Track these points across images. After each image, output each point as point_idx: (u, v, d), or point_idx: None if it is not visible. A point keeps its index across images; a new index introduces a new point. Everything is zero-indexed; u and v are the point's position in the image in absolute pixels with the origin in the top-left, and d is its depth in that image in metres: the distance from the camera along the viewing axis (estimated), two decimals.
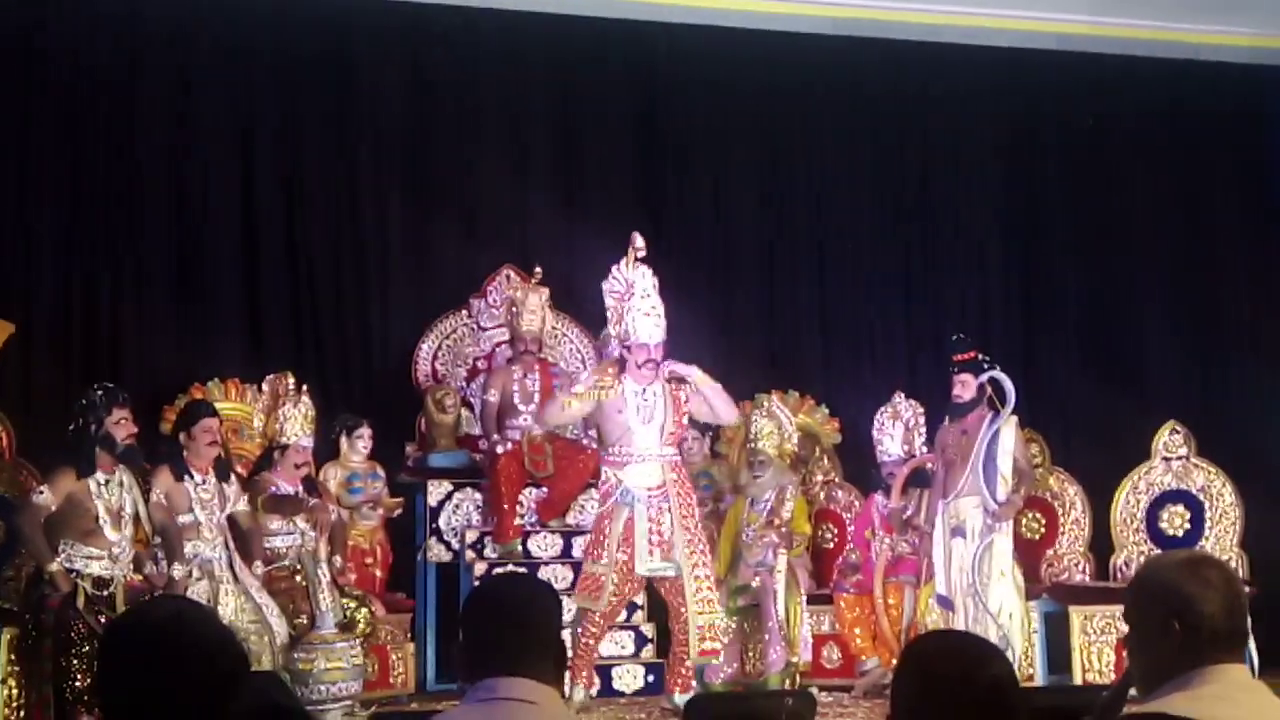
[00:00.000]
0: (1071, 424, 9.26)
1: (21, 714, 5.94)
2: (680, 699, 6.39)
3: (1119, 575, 7.80)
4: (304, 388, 7.20)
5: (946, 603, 6.85)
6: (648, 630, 7.50)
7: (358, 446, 7.63)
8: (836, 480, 8.44)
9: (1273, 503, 8.19)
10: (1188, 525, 7.77)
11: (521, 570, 7.20)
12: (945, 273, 9.59)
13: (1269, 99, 9.76)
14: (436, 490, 7.92)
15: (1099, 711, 2.55)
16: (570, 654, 6.05)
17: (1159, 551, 7.62)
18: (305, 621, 6.49)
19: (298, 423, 6.94)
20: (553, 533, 7.76)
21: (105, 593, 5.87)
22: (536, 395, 7.90)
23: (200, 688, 1.93)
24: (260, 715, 2.32)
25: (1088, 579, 7.88)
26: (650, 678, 7.21)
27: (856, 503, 8.14)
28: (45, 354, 7.77)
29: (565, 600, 6.31)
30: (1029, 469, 7.16)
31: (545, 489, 7.77)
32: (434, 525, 7.88)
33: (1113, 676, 7.13)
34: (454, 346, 8.50)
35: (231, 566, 6.34)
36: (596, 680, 6.86)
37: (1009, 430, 6.88)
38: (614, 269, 6.49)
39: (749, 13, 9.06)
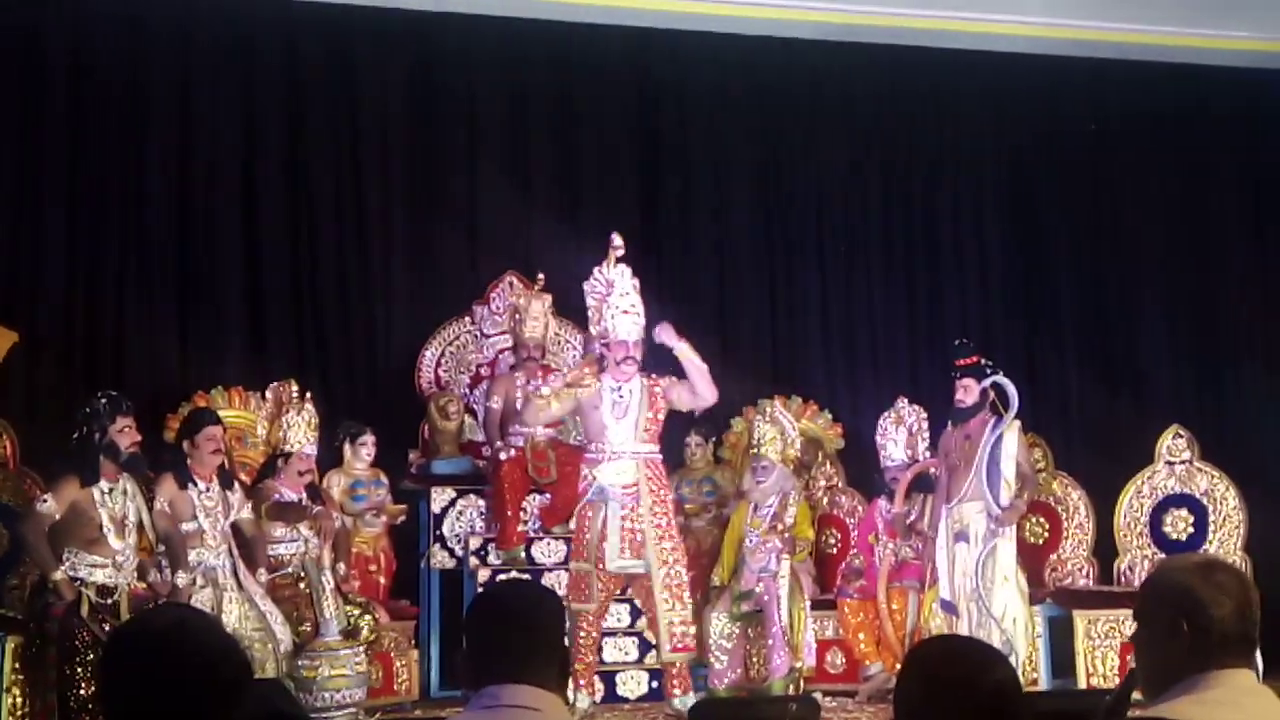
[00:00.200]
0: (1074, 428, 9.26)
1: None
2: (679, 701, 6.40)
3: (1123, 579, 7.80)
4: (307, 395, 7.21)
5: (950, 607, 6.84)
6: (652, 636, 7.49)
7: (361, 453, 7.63)
8: (840, 485, 8.43)
9: (1275, 506, 8.18)
10: (1191, 529, 7.77)
11: (525, 576, 7.19)
12: (947, 277, 9.59)
13: (1268, 103, 9.76)
14: (440, 497, 7.92)
15: (1102, 714, 2.55)
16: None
17: (1166, 554, 7.65)
18: (309, 629, 6.49)
19: (301, 430, 6.95)
20: (556, 539, 7.74)
21: (109, 601, 5.87)
22: None
23: (203, 696, 1.93)
24: None
25: (1091, 583, 7.87)
26: (654, 683, 7.20)
27: (860, 508, 8.13)
28: (49, 362, 7.77)
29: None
30: (1032, 473, 7.15)
31: (548, 495, 7.77)
32: (437, 532, 7.88)
33: (1117, 681, 7.12)
34: (457, 353, 8.51)
35: (235, 574, 6.34)
36: (600, 686, 6.87)
37: (1012, 435, 6.87)
38: (595, 270, 6.61)
39: (749, 19, 9.06)
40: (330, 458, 7.56)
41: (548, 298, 8.10)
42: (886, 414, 7.77)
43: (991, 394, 6.94)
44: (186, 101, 8.37)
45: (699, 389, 6.54)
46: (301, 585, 6.68)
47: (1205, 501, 7.80)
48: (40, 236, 7.98)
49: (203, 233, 8.31)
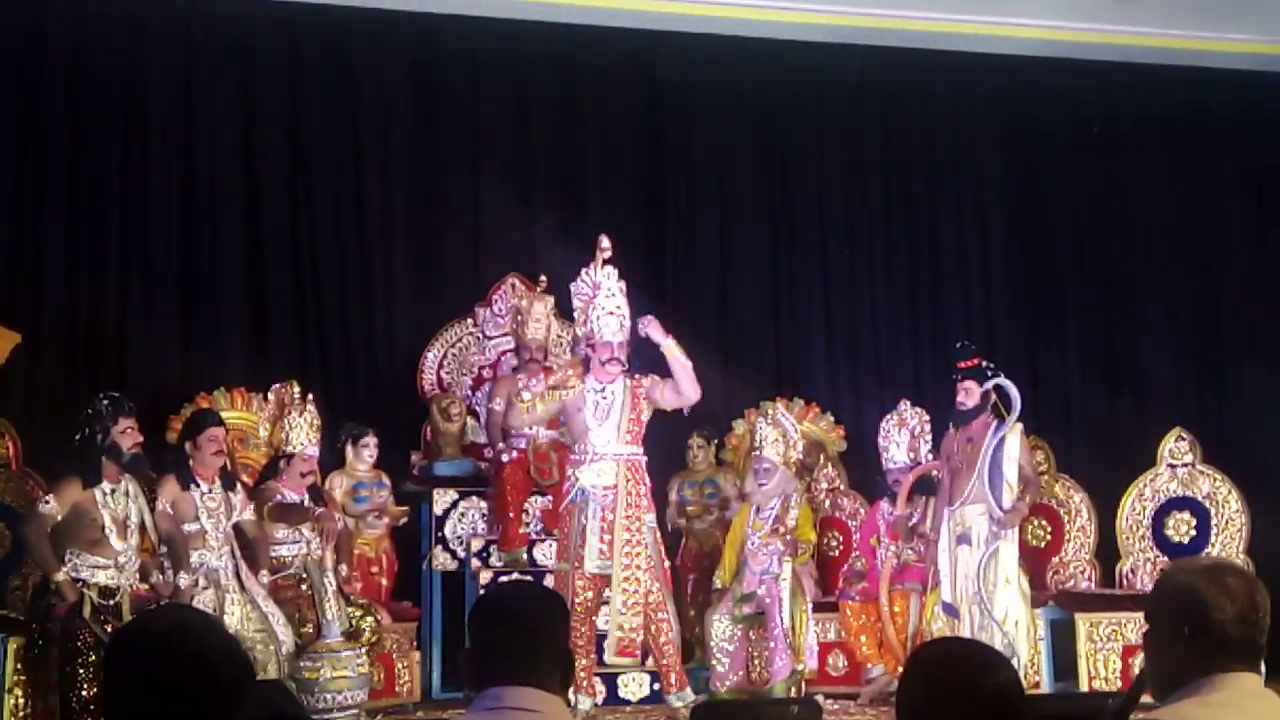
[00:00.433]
0: (1075, 430, 9.25)
1: None
2: (674, 699, 6.41)
3: (1125, 582, 7.80)
4: (309, 397, 7.20)
5: (952, 610, 6.84)
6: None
7: (363, 455, 7.63)
8: (842, 488, 8.43)
9: (1277, 508, 8.16)
10: (1193, 532, 7.77)
11: (527, 578, 7.20)
12: (950, 279, 9.59)
13: (1271, 106, 9.76)
14: (442, 499, 7.93)
15: (1110, 716, 2.55)
16: None
17: (1169, 557, 7.66)
18: (311, 630, 6.50)
19: (303, 431, 6.95)
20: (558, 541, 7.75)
21: (111, 602, 5.88)
22: None
23: (205, 697, 1.93)
24: None
25: (1093, 586, 7.87)
26: (656, 685, 7.19)
27: (862, 510, 8.13)
28: (51, 363, 7.76)
29: None
30: (1034, 476, 7.15)
31: (550, 497, 7.77)
32: (439, 534, 7.89)
33: (1119, 684, 7.13)
34: (459, 355, 8.51)
35: (238, 575, 6.35)
36: (602, 688, 6.87)
37: (1014, 437, 6.87)
38: (582, 271, 6.62)
39: (752, 21, 9.05)
40: (332, 459, 7.56)
41: (550, 299, 8.10)
42: (889, 416, 7.77)
43: (994, 396, 6.94)
44: (188, 102, 8.37)
45: (683, 387, 6.51)
46: (303, 587, 6.68)
47: (1207, 505, 7.80)
48: (42, 237, 7.98)
49: (205, 234, 8.31)
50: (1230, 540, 7.70)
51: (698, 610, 7.70)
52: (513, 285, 8.50)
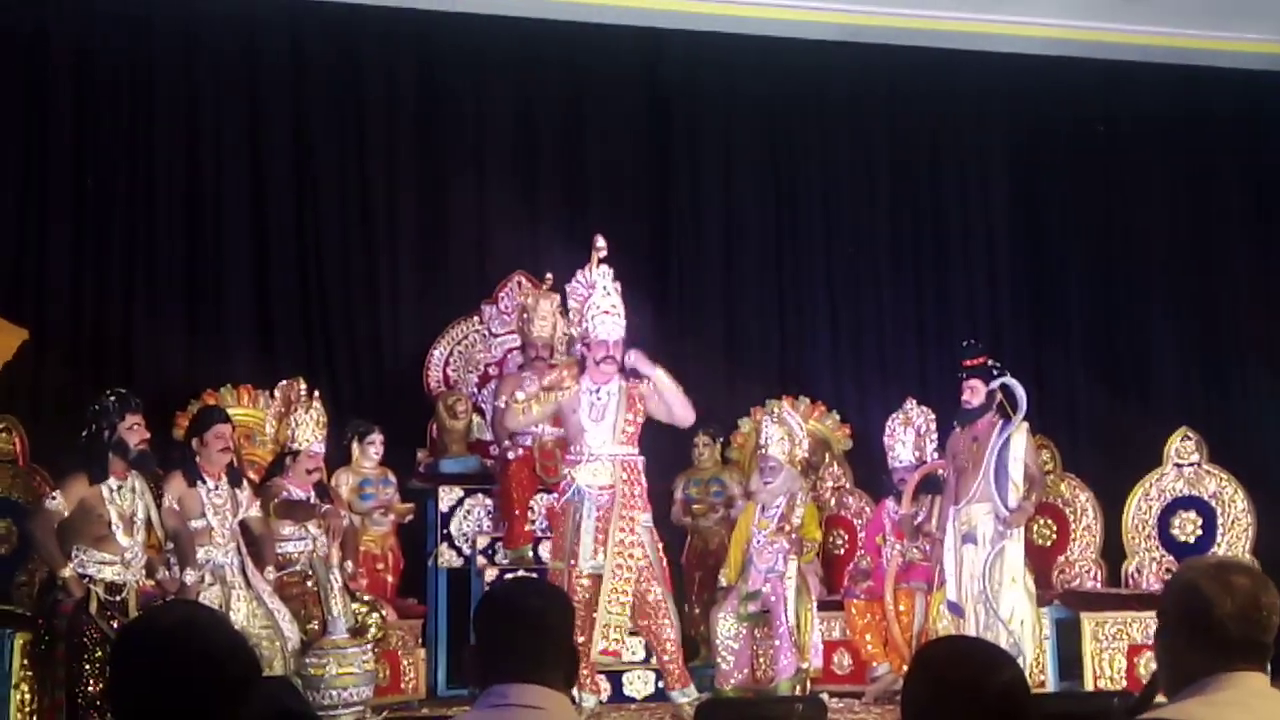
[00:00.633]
0: (1081, 430, 9.25)
1: (34, 719, 5.96)
2: (678, 695, 6.41)
3: (1130, 582, 7.78)
4: (316, 393, 7.21)
5: (957, 609, 6.83)
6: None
7: (369, 452, 7.64)
8: (847, 486, 8.42)
9: (1275, 494, 8.14)
10: (1200, 532, 7.75)
11: (533, 576, 7.20)
12: (955, 278, 9.59)
13: (1272, 105, 9.74)
14: (448, 496, 7.93)
15: (1122, 714, 2.55)
16: None
17: (1175, 557, 7.65)
18: (317, 627, 6.50)
19: (309, 428, 6.96)
20: None
21: (118, 598, 5.88)
22: None
23: (211, 693, 1.93)
24: None
25: (1099, 585, 7.85)
26: (661, 683, 7.20)
27: (867, 509, 8.13)
28: (57, 360, 7.79)
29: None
30: (1040, 475, 7.14)
31: (556, 495, 7.77)
32: (445, 531, 7.89)
33: (1124, 683, 7.12)
34: (465, 352, 8.52)
35: (244, 572, 6.36)
36: (607, 686, 6.87)
37: (1020, 436, 6.86)
38: (578, 272, 6.61)
39: (758, 19, 9.06)
40: (339, 456, 7.57)
41: (556, 297, 8.09)
42: (894, 415, 7.76)
43: (999, 395, 6.93)
44: (193, 100, 8.39)
45: (676, 413, 6.54)
46: (309, 583, 6.69)
47: (1214, 504, 7.78)
48: (48, 234, 8.00)
49: (210, 231, 8.33)
50: (1236, 540, 7.67)
51: (703, 608, 7.71)
52: (519, 283, 8.51)
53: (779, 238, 9.39)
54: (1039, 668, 7.09)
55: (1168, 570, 7.53)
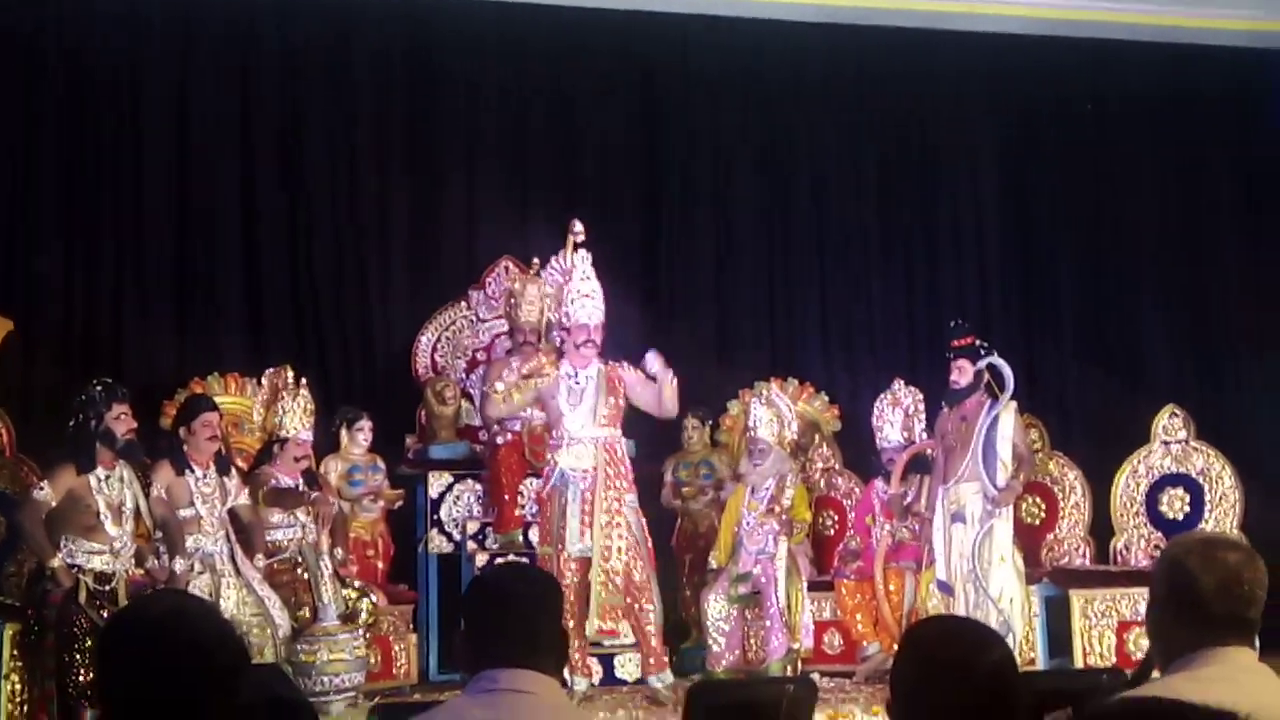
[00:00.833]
0: (1070, 414, 9.26)
1: (24, 709, 5.96)
2: (654, 680, 6.44)
3: (1119, 559, 7.81)
4: (303, 381, 7.20)
5: (947, 588, 6.86)
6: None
7: (358, 439, 7.63)
8: (837, 467, 8.44)
9: (1271, 493, 8.17)
10: (1188, 508, 7.78)
11: (523, 561, 7.20)
12: (944, 259, 9.59)
13: (1264, 83, 9.74)
14: (437, 482, 7.92)
15: (1111, 691, 2.55)
16: None
17: (1163, 534, 7.68)
18: (307, 614, 6.50)
19: (297, 416, 6.94)
20: None
21: (107, 588, 5.88)
22: None
23: (200, 682, 1.93)
24: (263, 708, 2.32)
25: (1088, 563, 7.88)
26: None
27: (857, 489, 8.15)
28: (45, 350, 7.77)
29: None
30: (1028, 454, 7.16)
31: (542, 480, 7.77)
32: (435, 516, 7.89)
33: (1113, 660, 7.15)
34: (453, 338, 8.50)
35: (233, 560, 6.35)
36: (599, 669, 6.88)
37: (1008, 416, 6.88)
38: (553, 258, 6.61)
39: (749, 3, 9.04)
40: (327, 443, 7.56)
41: (543, 281, 8.09)
42: (883, 396, 7.77)
43: (986, 375, 6.95)
44: (184, 90, 8.36)
45: (667, 405, 6.56)
46: (299, 570, 6.68)
47: (1201, 480, 7.81)
48: (36, 223, 7.97)
49: (199, 219, 8.30)
50: (1224, 516, 7.71)
51: (694, 590, 7.71)
52: (506, 268, 8.49)
53: (769, 220, 9.37)
54: (1028, 645, 7.13)
55: (1156, 547, 7.56)
